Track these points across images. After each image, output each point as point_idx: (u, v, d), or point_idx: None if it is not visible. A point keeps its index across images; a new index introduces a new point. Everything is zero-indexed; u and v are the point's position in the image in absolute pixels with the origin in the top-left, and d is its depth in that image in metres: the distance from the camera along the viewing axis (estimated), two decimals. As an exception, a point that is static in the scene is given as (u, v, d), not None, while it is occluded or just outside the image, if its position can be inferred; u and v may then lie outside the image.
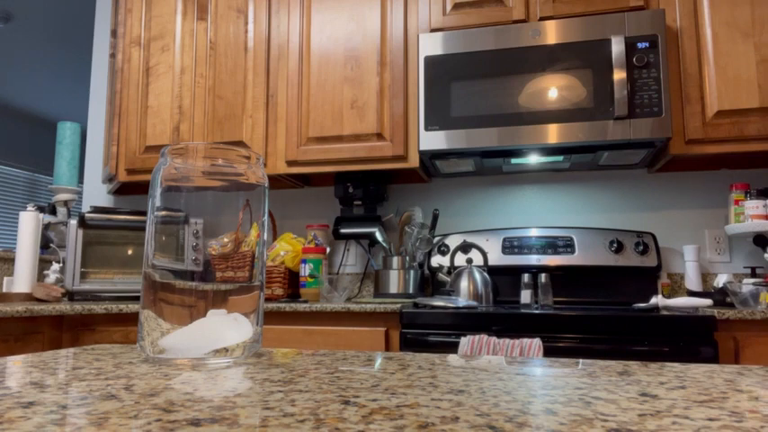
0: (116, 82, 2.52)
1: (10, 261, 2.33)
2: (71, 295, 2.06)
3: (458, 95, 2.00)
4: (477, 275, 2.02)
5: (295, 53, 2.29)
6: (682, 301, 1.75)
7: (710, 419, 0.29)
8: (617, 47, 1.88)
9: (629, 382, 0.39)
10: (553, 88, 1.93)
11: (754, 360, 1.54)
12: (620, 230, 2.15)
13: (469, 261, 2.12)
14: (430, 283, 2.33)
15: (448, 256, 2.24)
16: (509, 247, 2.21)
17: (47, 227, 2.38)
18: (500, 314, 1.66)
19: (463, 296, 1.98)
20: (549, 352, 1.57)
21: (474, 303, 1.83)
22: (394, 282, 2.18)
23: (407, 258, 2.21)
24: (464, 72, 2.01)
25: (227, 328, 0.50)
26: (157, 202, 0.51)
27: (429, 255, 2.31)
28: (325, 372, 0.43)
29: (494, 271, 2.18)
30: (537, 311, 1.65)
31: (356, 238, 2.35)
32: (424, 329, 1.69)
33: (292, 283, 2.21)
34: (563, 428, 0.27)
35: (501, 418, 0.29)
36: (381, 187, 2.32)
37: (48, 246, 2.39)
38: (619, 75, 1.86)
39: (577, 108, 1.91)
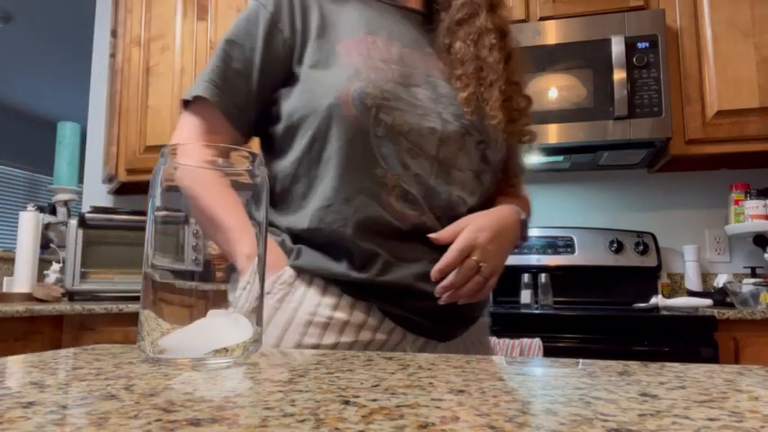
0: (116, 82, 2.52)
1: (10, 261, 2.33)
2: (71, 295, 2.06)
3: (458, 95, 2.00)
4: (477, 275, 2.02)
5: (295, 53, 2.29)
6: (682, 301, 1.76)
7: (710, 419, 0.29)
8: (617, 47, 1.88)
9: (629, 382, 0.39)
10: (553, 88, 1.93)
11: (754, 360, 1.54)
12: (620, 230, 2.15)
13: (469, 261, 2.12)
14: (430, 283, 2.33)
15: (448, 256, 2.23)
16: (509, 247, 2.21)
17: (47, 227, 2.38)
18: (500, 314, 1.66)
19: (463, 296, 1.98)
20: (549, 352, 1.57)
21: (474, 303, 1.83)
22: (394, 282, 2.18)
23: (407, 258, 2.21)
24: (464, 72, 2.01)
25: (227, 328, 0.50)
26: (157, 202, 0.51)
27: (429, 255, 2.30)
28: (325, 372, 0.43)
29: (494, 271, 2.17)
30: (537, 311, 1.66)
31: (356, 238, 2.34)
32: (424, 329, 1.69)
33: (292, 283, 2.21)
34: (563, 428, 0.27)
35: (501, 418, 0.29)
36: (381, 187, 2.32)
37: (48, 246, 2.39)
38: (619, 75, 1.86)
39: (577, 108, 1.90)
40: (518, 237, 0.78)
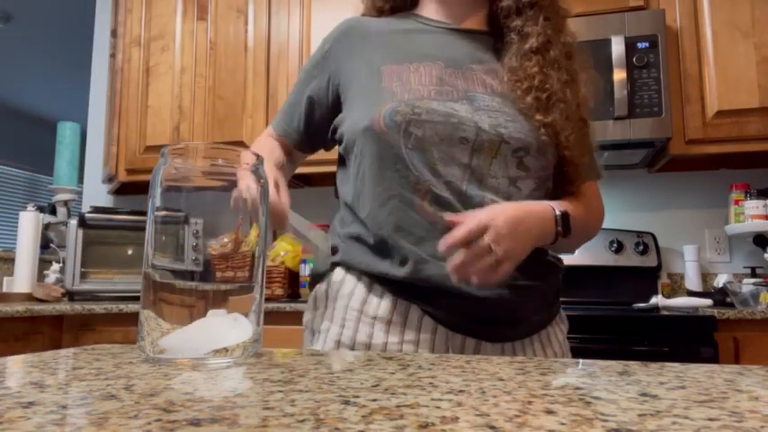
0: (116, 82, 2.52)
1: (10, 261, 2.33)
2: (71, 295, 2.06)
3: (458, 95, 2.00)
4: (477, 275, 2.02)
5: (295, 53, 2.29)
6: (682, 301, 1.76)
7: (710, 419, 0.29)
8: (617, 47, 1.88)
9: (629, 382, 0.39)
10: (553, 88, 1.93)
11: (754, 360, 1.54)
12: (620, 230, 2.15)
13: (469, 261, 2.12)
14: (430, 283, 2.33)
15: (448, 256, 2.24)
16: (509, 247, 2.21)
17: (47, 227, 2.38)
18: (500, 314, 1.66)
19: (463, 296, 1.98)
20: (549, 352, 1.57)
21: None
22: (394, 282, 2.18)
23: (407, 258, 2.21)
24: (464, 72, 2.01)
25: (227, 328, 0.50)
26: (157, 202, 0.51)
27: (429, 255, 2.31)
28: (325, 372, 0.43)
29: (494, 271, 2.17)
30: (537, 311, 1.65)
31: (356, 238, 2.34)
32: (424, 329, 1.69)
33: (292, 283, 2.21)
34: (563, 428, 0.27)
35: (501, 418, 0.29)
36: (381, 187, 2.32)
37: (48, 246, 2.39)
38: (619, 75, 1.86)
39: (577, 108, 1.90)
40: (551, 230, 0.78)
